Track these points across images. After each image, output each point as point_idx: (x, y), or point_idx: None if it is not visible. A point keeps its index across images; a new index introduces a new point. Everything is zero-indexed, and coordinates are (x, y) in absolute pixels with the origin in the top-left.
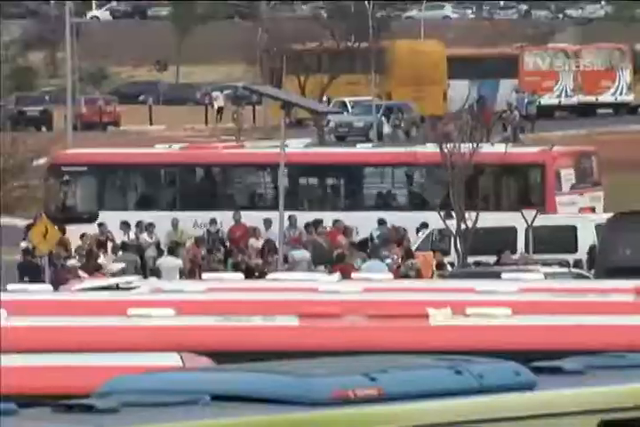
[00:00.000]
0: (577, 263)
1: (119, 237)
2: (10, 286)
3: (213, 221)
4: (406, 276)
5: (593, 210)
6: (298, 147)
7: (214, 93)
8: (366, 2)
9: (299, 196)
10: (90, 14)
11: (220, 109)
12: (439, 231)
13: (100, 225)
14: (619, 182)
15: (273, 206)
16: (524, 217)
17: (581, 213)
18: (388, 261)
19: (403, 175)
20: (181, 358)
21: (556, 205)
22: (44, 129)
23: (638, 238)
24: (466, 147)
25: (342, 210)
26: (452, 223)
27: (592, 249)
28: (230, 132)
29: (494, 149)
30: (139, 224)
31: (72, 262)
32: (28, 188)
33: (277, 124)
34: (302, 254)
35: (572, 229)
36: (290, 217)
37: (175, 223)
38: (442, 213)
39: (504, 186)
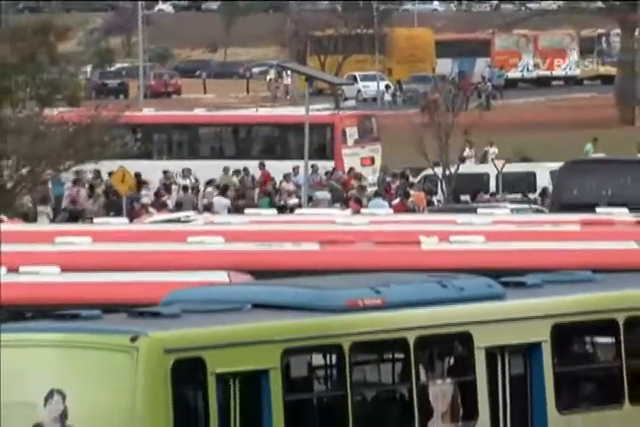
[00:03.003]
0: (535, 201)
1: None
2: (95, 220)
3: (245, 169)
4: (413, 209)
5: (372, 159)
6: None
7: (258, 69)
8: None
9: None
10: (157, 7)
11: (270, 80)
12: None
13: (165, 172)
14: (572, 137)
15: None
16: (494, 165)
17: (363, 162)
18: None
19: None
20: (228, 275)
21: (342, 155)
22: (121, 97)
23: (584, 181)
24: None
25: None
26: (439, 170)
27: (544, 190)
28: (267, 99)
29: (296, 112)
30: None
31: (144, 201)
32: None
33: (301, 93)
34: (324, 195)
35: (532, 175)
36: (313, 166)
37: (226, 170)
38: (432, 162)
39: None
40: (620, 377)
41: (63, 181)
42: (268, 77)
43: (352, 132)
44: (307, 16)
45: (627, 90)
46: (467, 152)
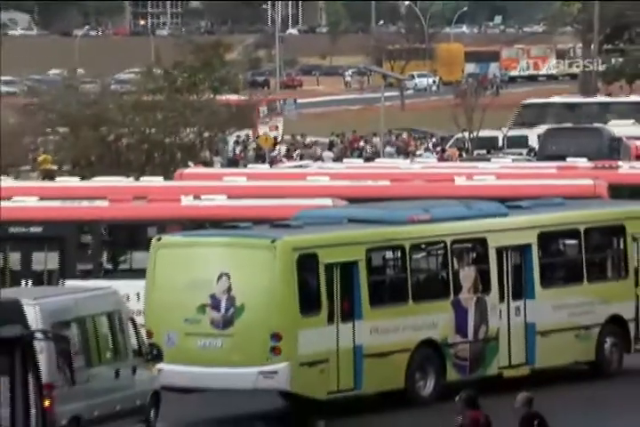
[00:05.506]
0: (528, 153)
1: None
2: (249, 166)
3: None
4: (447, 159)
5: (276, 127)
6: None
7: (351, 70)
8: (424, 24)
9: None
10: (287, 31)
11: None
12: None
13: (293, 136)
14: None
15: None
16: (502, 131)
17: (270, 128)
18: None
19: None
20: (332, 201)
21: (259, 124)
22: (265, 88)
23: (559, 140)
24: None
25: None
26: (466, 134)
27: (532, 148)
28: (352, 90)
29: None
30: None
31: (275, 153)
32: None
33: (379, 85)
34: (392, 150)
35: (526, 137)
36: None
37: (333, 134)
38: (462, 129)
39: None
40: (581, 265)
41: (228, 141)
42: (347, 77)
43: (263, 110)
44: (382, 36)
45: (586, 83)
46: None
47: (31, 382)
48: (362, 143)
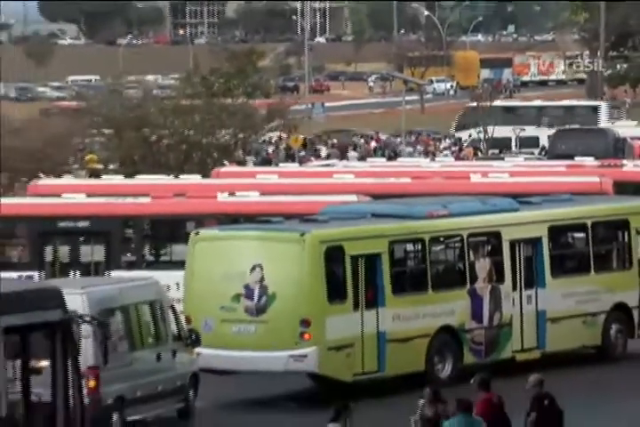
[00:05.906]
0: (539, 153)
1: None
2: (280, 164)
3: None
4: (463, 158)
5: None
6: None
7: (374, 76)
8: (442, 33)
9: None
10: (316, 40)
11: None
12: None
13: (319, 136)
14: None
15: None
16: (514, 132)
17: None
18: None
19: None
20: (357, 197)
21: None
22: (295, 93)
23: (567, 141)
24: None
25: None
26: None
27: (542, 148)
28: (375, 94)
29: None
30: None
31: (303, 153)
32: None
33: (400, 90)
34: (410, 149)
35: (537, 138)
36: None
37: (352, 134)
38: (478, 130)
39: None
40: (588, 256)
41: (261, 141)
42: (371, 83)
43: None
44: (403, 44)
45: (592, 87)
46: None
47: (71, 364)
48: (373, 144)
